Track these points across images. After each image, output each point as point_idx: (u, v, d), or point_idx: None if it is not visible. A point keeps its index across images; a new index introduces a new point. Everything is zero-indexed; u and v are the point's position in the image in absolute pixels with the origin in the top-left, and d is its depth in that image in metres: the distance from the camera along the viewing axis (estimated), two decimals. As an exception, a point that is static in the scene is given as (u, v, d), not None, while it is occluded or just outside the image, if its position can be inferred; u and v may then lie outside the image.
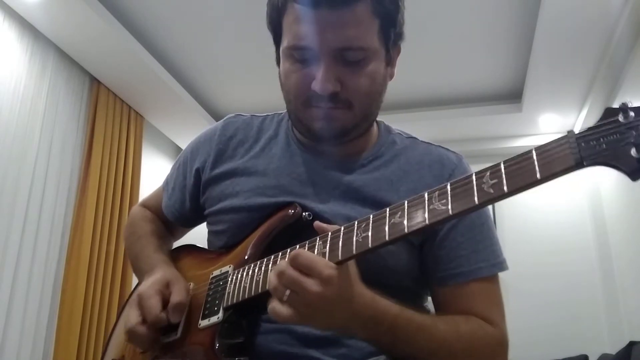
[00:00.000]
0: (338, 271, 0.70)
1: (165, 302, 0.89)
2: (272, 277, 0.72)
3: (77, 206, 3.49)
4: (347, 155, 0.97)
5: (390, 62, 0.94)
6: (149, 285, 0.91)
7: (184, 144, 4.80)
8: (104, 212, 3.64)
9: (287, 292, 0.70)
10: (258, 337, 0.86)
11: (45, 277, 3.21)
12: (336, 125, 0.91)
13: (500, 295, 0.92)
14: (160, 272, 0.95)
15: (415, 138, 1.03)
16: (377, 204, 0.90)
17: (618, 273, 3.98)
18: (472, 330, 0.84)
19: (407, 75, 3.86)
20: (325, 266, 0.70)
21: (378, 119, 1.05)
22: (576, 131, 0.60)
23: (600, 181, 4.20)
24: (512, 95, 4.21)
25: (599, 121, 0.58)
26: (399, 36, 0.94)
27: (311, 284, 0.69)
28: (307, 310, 0.70)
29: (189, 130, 4.47)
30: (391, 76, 0.96)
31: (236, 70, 3.93)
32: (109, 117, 3.81)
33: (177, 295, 0.90)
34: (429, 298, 0.97)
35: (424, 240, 0.92)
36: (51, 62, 3.39)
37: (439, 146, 1.01)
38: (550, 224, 4.37)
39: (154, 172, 4.50)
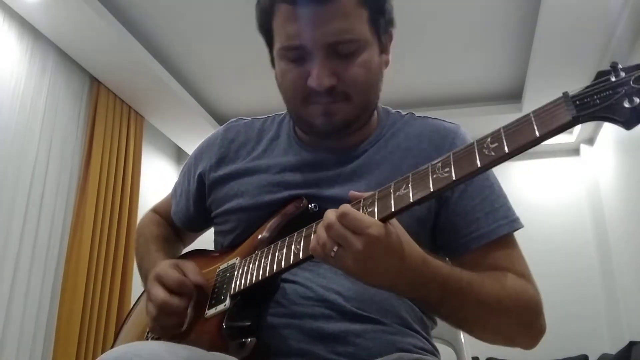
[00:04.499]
0: (386, 230, 0.71)
1: (182, 274, 0.91)
2: (320, 230, 0.72)
3: (77, 206, 3.49)
4: (349, 146, 0.98)
5: (383, 49, 0.95)
6: (162, 265, 0.93)
7: (184, 144, 4.81)
8: (104, 212, 3.64)
9: (335, 248, 0.71)
10: (265, 332, 0.86)
11: (44, 277, 3.21)
12: (337, 119, 0.91)
13: (520, 252, 0.92)
14: (168, 260, 0.97)
15: (412, 113, 1.05)
16: (382, 185, 0.91)
17: (618, 273, 3.99)
18: (512, 283, 0.85)
19: (408, 75, 3.86)
20: (372, 224, 0.70)
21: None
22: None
23: (599, 182, 4.20)
24: (512, 95, 4.21)
25: (592, 82, 0.62)
26: (389, 23, 0.94)
27: (357, 242, 0.69)
28: (354, 265, 0.71)
29: (189, 130, 4.47)
30: (386, 63, 0.97)
31: (236, 70, 3.93)
32: (109, 117, 3.81)
33: (191, 265, 0.93)
34: None
35: (436, 213, 0.93)
36: (51, 62, 3.39)
37: (436, 118, 1.03)
38: (550, 223, 4.37)
39: (154, 173, 4.50)
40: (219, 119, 4.55)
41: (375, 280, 0.74)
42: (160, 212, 1.21)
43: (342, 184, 0.94)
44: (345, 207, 0.72)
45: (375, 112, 1.03)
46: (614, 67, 0.60)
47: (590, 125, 4.21)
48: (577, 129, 4.29)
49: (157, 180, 4.49)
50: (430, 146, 0.96)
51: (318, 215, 0.89)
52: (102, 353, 0.73)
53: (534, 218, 4.33)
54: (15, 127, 3.08)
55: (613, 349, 3.61)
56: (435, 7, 3.22)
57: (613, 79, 0.60)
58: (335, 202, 0.89)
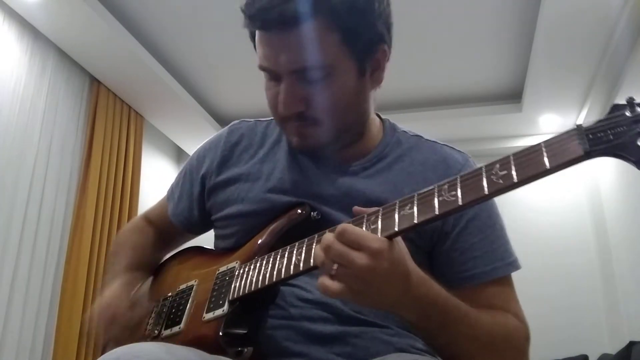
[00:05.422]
0: (389, 245, 0.69)
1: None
2: (318, 251, 0.71)
3: (77, 206, 3.49)
4: (351, 157, 0.97)
5: (364, 71, 0.90)
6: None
7: (184, 144, 4.81)
8: (104, 212, 3.64)
9: (335, 266, 0.69)
10: (264, 332, 0.86)
11: (44, 277, 3.21)
12: (310, 141, 0.92)
13: (515, 292, 0.92)
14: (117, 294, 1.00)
15: (420, 136, 1.02)
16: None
17: (618, 273, 3.98)
18: (505, 321, 0.85)
19: (408, 75, 3.85)
20: (375, 239, 0.68)
21: (383, 117, 1.04)
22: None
23: (599, 182, 4.20)
24: (512, 95, 4.21)
25: (606, 115, 0.60)
26: (377, 41, 0.90)
27: (359, 257, 0.67)
28: (358, 285, 0.69)
29: (189, 130, 4.47)
30: (378, 81, 0.94)
31: (236, 70, 3.93)
32: (109, 117, 3.81)
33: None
34: None
35: (433, 245, 0.92)
36: (51, 62, 3.39)
37: (445, 145, 1.00)
38: (550, 224, 4.37)
39: (154, 172, 4.50)
40: (219, 119, 4.55)
41: (379, 300, 0.73)
42: (152, 216, 1.19)
43: (341, 202, 0.92)
44: (343, 225, 0.70)
45: (380, 124, 1.02)
46: (630, 103, 0.58)
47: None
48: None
49: (157, 180, 4.49)
50: (435, 175, 0.93)
51: (319, 224, 0.88)
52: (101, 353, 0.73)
53: (533, 218, 4.34)
54: (15, 127, 3.07)
55: (613, 349, 3.60)
56: (436, 7, 3.22)
57: (628, 114, 0.58)
58: (333, 219, 0.88)
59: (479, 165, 0.97)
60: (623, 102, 0.59)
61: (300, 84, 0.86)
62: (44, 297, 3.19)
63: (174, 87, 3.96)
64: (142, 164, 4.19)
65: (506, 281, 0.91)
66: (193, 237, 1.19)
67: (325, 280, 0.70)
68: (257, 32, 0.89)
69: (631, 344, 3.04)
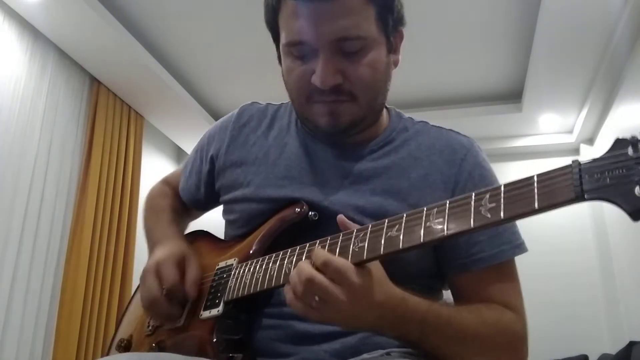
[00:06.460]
0: (369, 276, 0.71)
1: (181, 275, 0.92)
2: (297, 282, 0.72)
3: (77, 206, 3.49)
4: (357, 143, 0.97)
5: (392, 49, 0.93)
6: (167, 255, 0.93)
7: (184, 144, 4.81)
8: (104, 212, 3.64)
9: (317, 298, 0.70)
10: (254, 332, 0.87)
11: (44, 277, 3.21)
12: (342, 120, 0.90)
13: (518, 279, 0.91)
14: (175, 246, 0.97)
15: (426, 122, 1.02)
16: (387, 192, 0.91)
17: (618, 273, 3.99)
18: (496, 317, 0.84)
19: (407, 75, 3.85)
20: (356, 274, 0.70)
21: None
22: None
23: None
24: (512, 95, 4.21)
25: (607, 152, 0.56)
26: (399, 21, 0.92)
27: (341, 294, 0.69)
28: (336, 316, 0.72)
29: (189, 130, 4.47)
30: (395, 63, 0.95)
31: (236, 70, 3.93)
32: (109, 117, 3.81)
33: (193, 270, 0.93)
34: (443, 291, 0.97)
35: None
36: (51, 62, 3.39)
37: (450, 130, 1.00)
38: (550, 223, 4.36)
39: (154, 172, 4.50)
40: (219, 118, 4.54)
41: (357, 326, 0.75)
42: (171, 183, 1.22)
43: (347, 188, 0.92)
44: (325, 257, 0.71)
45: (386, 112, 1.02)
46: (633, 142, 0.54)
47: (590, 125, 4.21)
48: (578, 128, 4.29)
49: (157, 180, 4.49)
50: (441, 159, 0.94)
51: (317, 224, 0.89)
52: (101, 352, 0.74)
53: (533, 218, 4.33)
54: (15, 127, 3.07)
55: (613, 349, 3.61)
56: (435, 7, 3.22)
57: (630, 152, 0.54)
58: (338, 209, 0.88)
59: (483, 155, 0.97)
60: (627, 136, 0.55)
61: (338, 57, 0.86)
62: (44, 297, 3.19)
63: (174, 87, 3.96)
64: (142, 164, 4.19)
65: (509, 268, 0.90)
66: (205, 212, 1.21)
67: (296, 304, 0.73)
68: (290, 6, 0.86)
69: (631, 344, 3.05)
